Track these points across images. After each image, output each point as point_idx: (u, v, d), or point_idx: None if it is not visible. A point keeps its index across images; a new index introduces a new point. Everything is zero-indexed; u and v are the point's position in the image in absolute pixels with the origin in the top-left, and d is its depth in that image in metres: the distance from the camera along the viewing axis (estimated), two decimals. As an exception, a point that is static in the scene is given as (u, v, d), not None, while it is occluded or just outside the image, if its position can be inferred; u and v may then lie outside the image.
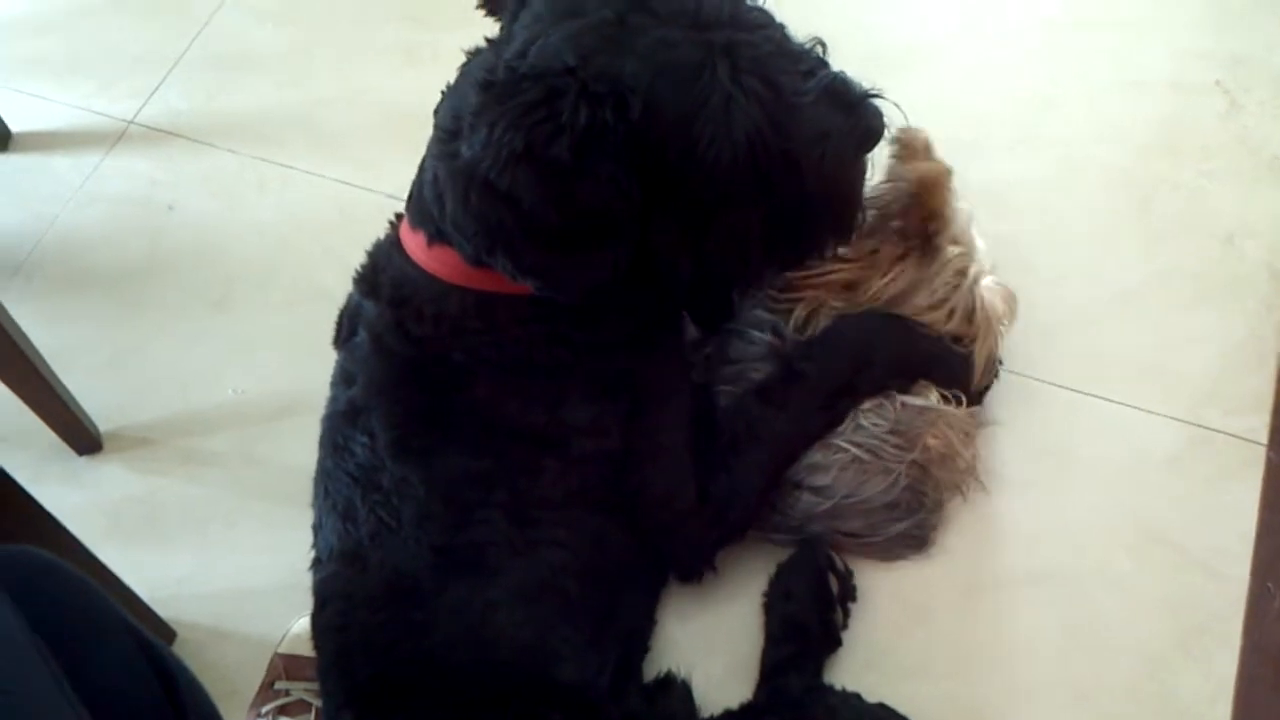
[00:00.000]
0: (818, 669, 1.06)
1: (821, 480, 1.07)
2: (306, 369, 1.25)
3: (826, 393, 1.08)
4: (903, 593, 1.11)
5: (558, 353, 0.97)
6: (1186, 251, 1.31)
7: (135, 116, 1.50)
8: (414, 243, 0.97)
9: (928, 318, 1.10)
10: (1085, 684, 1.06)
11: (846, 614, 1.08)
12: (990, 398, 1.17)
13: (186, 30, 1.57)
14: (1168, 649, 1.07)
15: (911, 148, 1.09)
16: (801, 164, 0.86)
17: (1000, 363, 1.17)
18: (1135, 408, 1.20)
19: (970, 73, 1.46)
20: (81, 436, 1.23)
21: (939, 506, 1.11)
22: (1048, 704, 1.05)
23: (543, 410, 0.97)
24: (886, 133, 0.91)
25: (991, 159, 1.19)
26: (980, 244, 1.13)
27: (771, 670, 1.06)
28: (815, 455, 1.07)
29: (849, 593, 1.08)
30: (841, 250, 1.07)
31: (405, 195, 1.00)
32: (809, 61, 0.88)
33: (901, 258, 1.10)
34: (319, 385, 1.06)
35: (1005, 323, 1.13)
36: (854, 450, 1.05)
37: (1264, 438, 1.17)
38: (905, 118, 0.92)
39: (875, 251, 1.09)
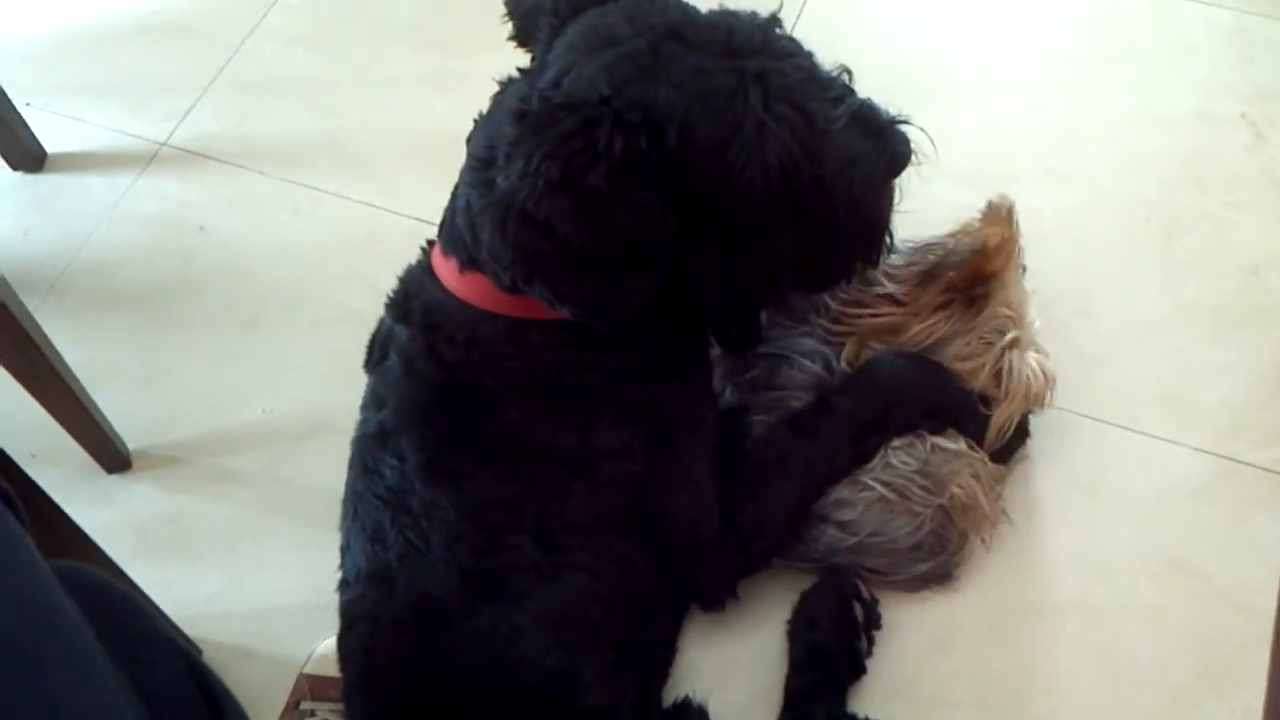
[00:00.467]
0: (841, 697, 1.05)
1: (848, 516, 1.07)
2: (335, 390, 1.26)
3: (857, 427, 1.08)
4: (928, 622, 1.11)
5: (588, 378, 0.97)
6: (1212, 283, 1.31)
7: (168, 139, 1.52)
8: (446, 269, 0.98)
9: (958, 369, 1.11)
10: (1110, 716, 1.05)
11: (871, 642, 1.08)
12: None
13: (218, 55, 1.60)
14: (1194, 682, 1.07)
15: (995, 212, 1.10)
16: (831, 188, 0.87)
17: (1028, 434, 1.17)
18: (1161, 439, 1.20)
19: (996, 106, 1.47)
20: (111, 454, 1.24)
21: (961, 549, 1.11)
22: (1073, 736, 1.05)
23: (572, 435, 0.97)
24: (914, 158, 0.92)
25: (1018, 190, 1.20)
26: (1037, 323, 1.13)
27: (795, 698, 1.06)
28: (843, 491, 1.07)
29: (874, 621, 1.08)
30: (894, 292, 1.09)
31: (433, 218, 1.01)
32: (837, 89, 0.90)
33: (943, 306, 1.11)
34: (347, 406, 1.07)
35: (1038, 402, 1.12)
36: (881, 489, 1.05)
37: (1291, 470, 1.17)
38: (933, 144, 0.93)
39: (921, 297, 1.11)
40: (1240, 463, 1.18)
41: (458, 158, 1.49)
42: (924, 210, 1.16)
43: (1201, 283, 1.31)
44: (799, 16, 1.56)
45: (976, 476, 1.08)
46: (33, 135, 1.48)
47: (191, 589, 1.17)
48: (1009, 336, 1.11)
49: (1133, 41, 1.53)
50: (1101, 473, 1.18)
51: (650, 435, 1.00)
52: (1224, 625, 1.09)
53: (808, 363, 1.11)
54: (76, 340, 1.27)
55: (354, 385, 1.07)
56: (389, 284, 1.05)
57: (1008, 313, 1.12)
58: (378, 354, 1.05)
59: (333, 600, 1.02)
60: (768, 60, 0.86)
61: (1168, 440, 1.20)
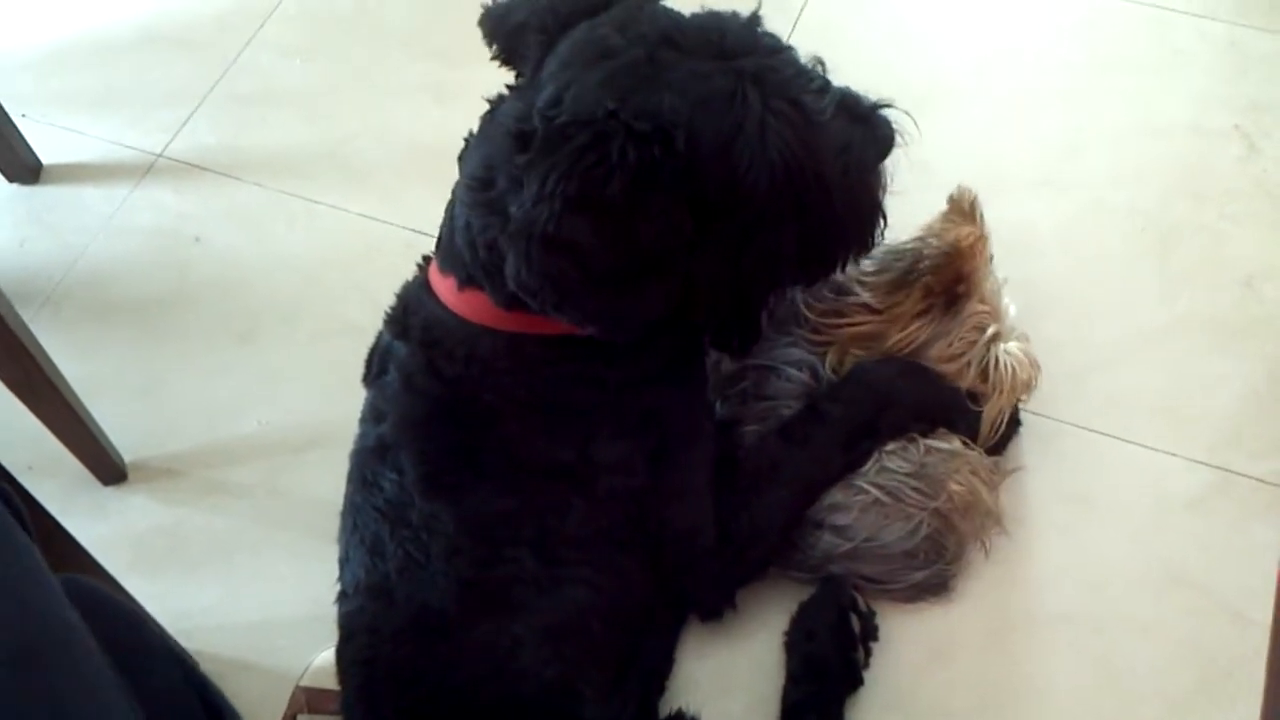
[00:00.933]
0: (839, 709, 1.06)
1: (843, 520, 1.07)
2: (331, 402, 1.27)
3: (848, 432, 1.09)
4: (925, 634, 1.11)
5: (587, 391, 0.98)
6: (1207, 294, 1.32)
7: (164, 150, 1.52)
8: (444, 286, 0.98)
9: (943, 369, 1.11)
10: (1108, 728, 1.06)
11: (868, 653, 1.08)
12: (1013, 439, 1.18)
13: (215, 67, 1.60)
14: (1191, 693, 1.07)
15: (959, 205, 1.11)
16: (827, 177, 0.88)
17: (1019, 424, 1.17)
18: (1157, 450, 1.20)
19: (993, 114, 1.48)
20: (107, 466, 1.24)
21: (958, 558, 1.11)
22: (1070, 747, 1.05)
23: (572, 448, 0.97)
24: (898, 140, 0.93)
25: (1014, 199, 1.21)
26: (1012, 310, 1.14)
27: (791, 709, 1.06)
28: (837, 495, 1.07)
29: (871, 632, 1.08)
30: (869, 300, 1.09)
31: (431, 230, 1.00)
32: (819, 80, 0.91)
33: (923, 314, 1.11)
34: (344, 418, 1.07)
35: (1025, 390, 1.13)
36: (875, 492, 1.06)
37: (1287, 482, 1.17)
38: (916, 126, 0.93)
39: (899, 305, 1.11)
40: (1236, 474, 1.18)
41: (455, 169, 1.50)
42: (918, 220, 1.17)
43: (1197, 294, 1.31)
44: (795, 25, 1.57)
45: (975, 473, 1.08)
46: (28, 147, 1.48)
47: (188, 601, 1.17)
48: (989, 331, 1.11)
49: (1129, 52, 1.54)
50: (1098, 483, 1.19)
51: (649, 447, 1.00)
52: (1221, 636, 1.09)
53: (795, 372, 1.12)
54: (72, 352, 1.27)
55: (351, 397, 1.07)
56: (387, 296, 1.05)
57: (984, 308, 1.12)
58: (376, 369, 1.05)
59: (330, 612, 1.02)
60: (760, 59, 0.87)
61: (1164, 451, 1.20)
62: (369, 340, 1.08)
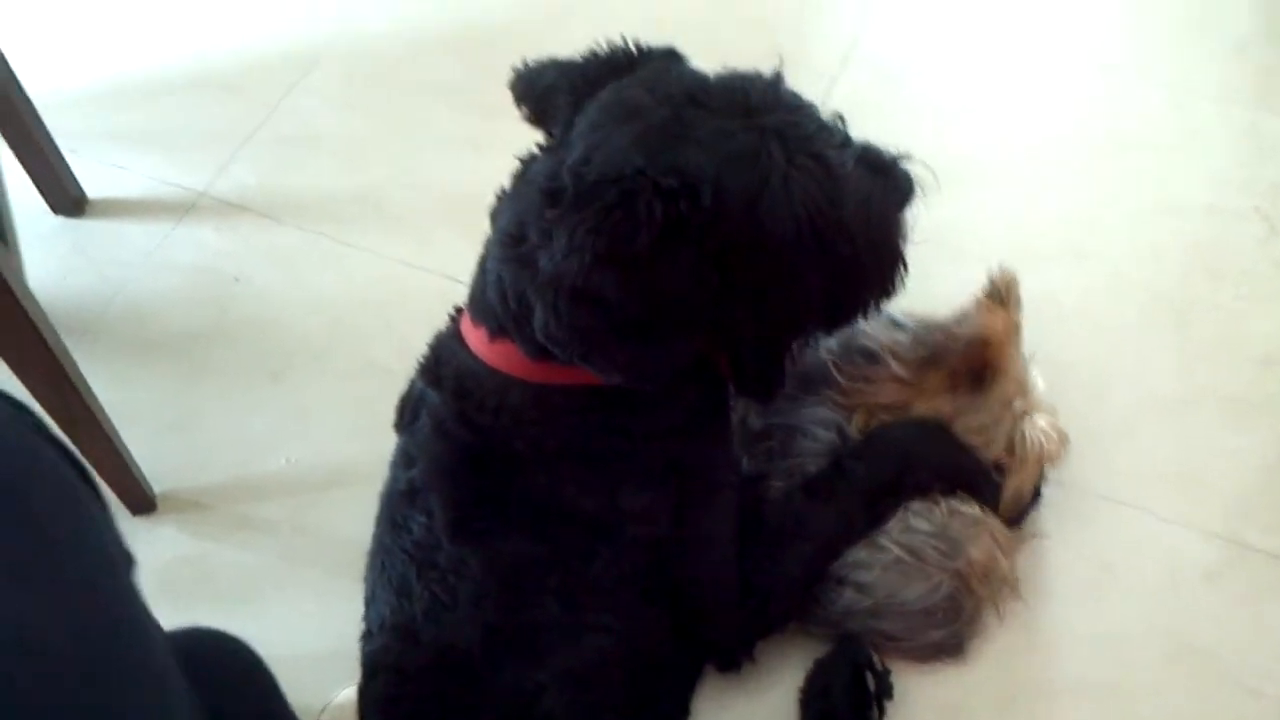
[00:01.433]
0: (852, 767, 1.07)
1: (865, 577, 1.09)
2: (359, 442, 1.29)
3: (871, 491, 1.11)
4: (940, 695, 1.12)
5: (614, 441, 1.00)
6: (1224, 371, 1.34)
7: (206, 189, 1.56)
8: (475, 337, 1.00)
9: (970, 441, 1.13)
10: (1120, 798, 1.06)
11: (883, 711, 1.09)
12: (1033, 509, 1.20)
13: (258, 111, 1.64)
14: (1202, 765, 1.08)
15: (997, 289, 1.14)
16: (850, 228, 0.91)
17: (1040, 496, 1.19)
18: (1173, 522, 1.22)
19: (1018, 189, 1.52)
20: (138, 497, 1.26)
21: (974, 621, 1.13)
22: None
23: (598, 497, 0.99)
24: (918, 190, 0.96)
25: (1037, 272, 1.24)
26: (1040, 384, 1.16)
27: (805, 765, 1.07)
28: (860, 552, 1.09)
29: (886, 690, 1.09)
30: (899, 372, 1.12)
31: (463, 277, 1.03)
32: (840, 135, 0.94)
33: (949, 390, 1.13)
34: (370, 459, 1.09)
35: (1052, 463, 1.15)
36: (898, 551, 1.08)
37: (1301, 558, 1.18)
38: (935, 176, 0.97)
39: (926, 380, 1.13)
40: (1250, 548, 1.20)
41: (487, 219, 1.53)
42: (947, 291, 1.20)
43: (1213, 371, 1.34)
44: (825, 98, 1.61)
45: (995, 540, 1.10)
46: (75, 180, 1.52)
47: (211, 634, 1.18)
48: (1016, 406, 1.14)
49: (1149, 132, 1.57)
50: (1114, 552, 1.20)
51: (674, 497, 1.02)
52: (1235, 709, 1.10)
53: (822, 431, 1.14)
54: (108, 382, 1.29)
55: (378, 438, 1.09)
56: (417, 340, 1.08)
57: (1010, 385, 1.14)
58: (409, 416, 1.07)
59: (352, 650, 1.04)
60: (783, 115, 0.90)
61: (1180, 523, 1.22)
62: (398, 382, 1.10)
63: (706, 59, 0.97)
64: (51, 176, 1.48)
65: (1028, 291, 1.24)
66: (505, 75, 1.69)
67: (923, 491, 1.11)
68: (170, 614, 1.10)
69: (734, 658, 1.10)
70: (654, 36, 0.99)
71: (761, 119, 0.89)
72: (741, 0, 1.79)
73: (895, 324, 1.18)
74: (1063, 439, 1.17)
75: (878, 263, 0.97)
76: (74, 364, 1.15)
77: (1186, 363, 1.34)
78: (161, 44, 1.74)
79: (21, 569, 0.50)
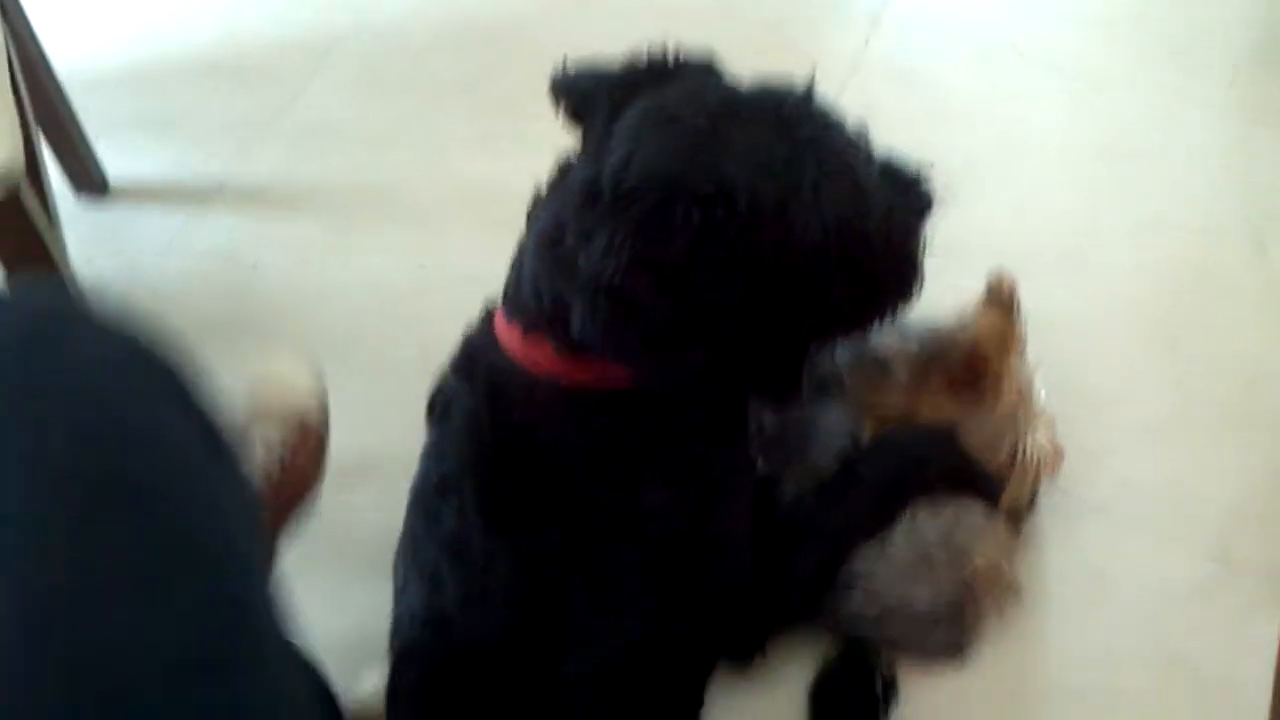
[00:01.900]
0: (857, 764, 1.11)
1: (873, 581, 1.13)
2: (379, 435, 1.31)
3: (880, 495, 1.16)
4: (939, 696, 1.16)
5: (640, 440, 1.03)
6: (1214, 388, 1.39)
7: (226, 177, 1.58)
8: (509, 335, 1.03)
9: (974, 449, 1.18)
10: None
11: (889, 713, 1.14)
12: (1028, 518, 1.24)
13: (278, 99, 1.66)
14: (1189, 771, 1.13)
15: (996, 294, 1.18)
16: (873, 238, 0.95)
17: (1034, 505, 1.24)
18: (1165, 536, 1.27)
19: (1016, 196, 1.56)
20: (161, 482, 1.28)
21: (976, 626, 1.17)
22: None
23: (622, 494, 1.03)
24: (937, 203, 1.01)
25: (1033, 280, 1.28)
26: (1042, 394, 1.21)
27: (812, 761, 1.12)
28: (869, 555, 1.13)
29: (892, 692, 1.14)
30: (904, 378, 1.16)
31: (481, 273, 1.05)
32: (866, 147, 0.98)
33: (950, 393, 1.18)
34: (390, 451, 1.12)
35: (1051, 471, 1.20)
36: (906, 556, 1.12)
37: (1287, 573, 1.24)
38: (954, 190, 1.02)
39: (929, 385, 1.18)
40: (1238, 563, 1.25)
41: (507, 215, 1.54)
42: (941, 296, 1.23)
43: (1204, 387, 1.39)
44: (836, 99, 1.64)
45: (1000, 547, 1.15)
46: (99, 164, 1.53)
47: (235, 619, 1.20)
48: (1019, 417, 1.18)
49: (1147, 145, 1.62)
50: (1106, 564, 1.25)
51: (693, 496, 1.06)
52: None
53: (835, 435, 1.19)
54: (131, 367, 1.32)
55: (399, 431, 1.12)
56: (435, 334, 1.09)
57: (1014, 397, 1.19)
58: (440, 410, 1.10)
59: (372, 641, 1.06)
60: (816, 128, 0.94)
61: (1171, 538, 1.27)
62: (415, 376, 1.13)
63: (720, 58, 1.00)
64: (76, 158, 1.49)
65: (1023, 299, 1.28)
66: (524, 70, 1.72)
67: (930, 496, 1.16)
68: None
69: (748, 653, 1.15)
70: (667, 33, 1.02)
71: (796, 131, 0.93)
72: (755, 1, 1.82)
73: (904, 332, 1.23)
74: (1059, 453, 1.22)
75: (897, 272, 1.01)
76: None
77: (1178, 379, 1.39)
78: (183, 29, 1.75)
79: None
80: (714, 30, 1.70)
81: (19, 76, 1.10)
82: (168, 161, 1.59)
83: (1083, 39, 1.75)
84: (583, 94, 1.02)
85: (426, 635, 1.01)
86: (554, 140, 1.02)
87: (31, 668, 0.46)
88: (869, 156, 0.98)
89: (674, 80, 0.99)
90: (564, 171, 1.02)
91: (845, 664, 1.14)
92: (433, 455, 1.08)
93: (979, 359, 1.17)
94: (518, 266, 1.04)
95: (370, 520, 1.16)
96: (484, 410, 1.03)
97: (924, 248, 1.02)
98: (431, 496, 1.05)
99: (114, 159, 1.56)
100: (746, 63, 1.03)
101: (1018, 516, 1.21)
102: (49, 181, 1.41)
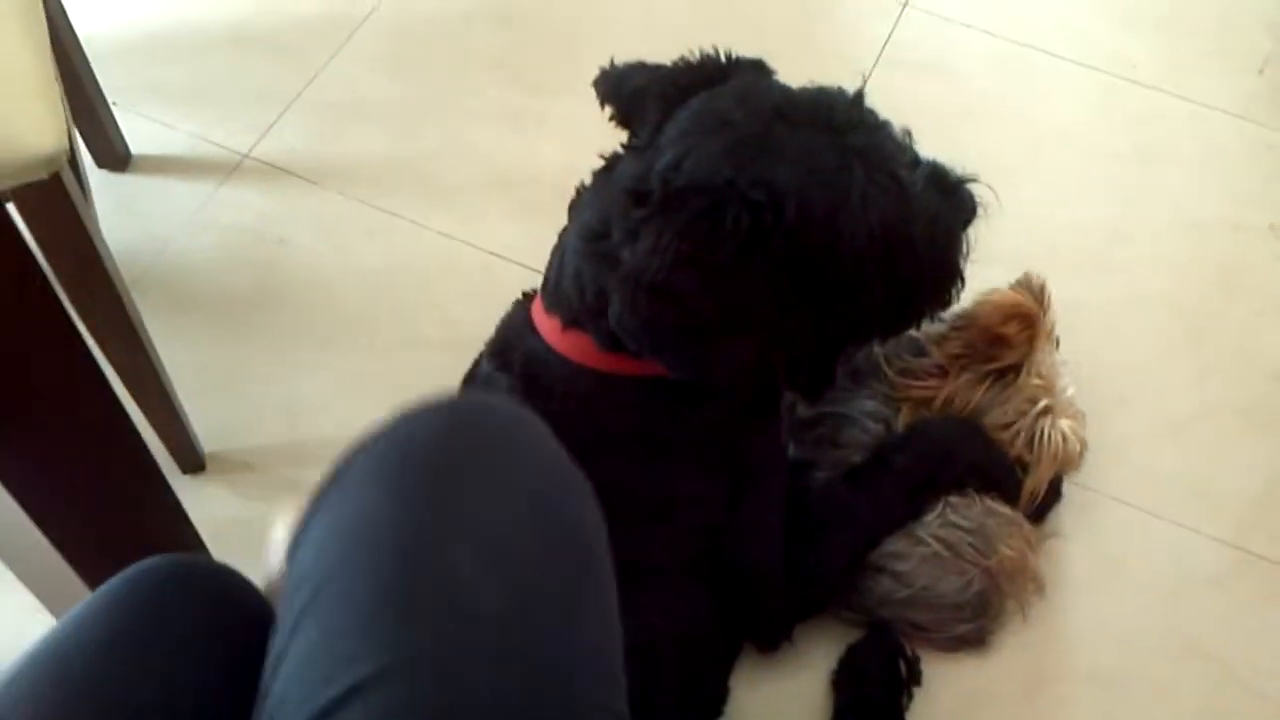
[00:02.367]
0: (880, 748, 1.13)
1: (902, 567, 1.14)
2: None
3: (910, 483, 1.17)
4: (961, 682, 1.18)
5: (676, 430, 1.04)
6: (1236, 385, 1.40)
7: (250, 150, 1.57)
8: (547, 325, 1.04)
9: (995, 436, 1.19)
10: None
11: (910, 697, 1.15)
12: (1054, 508, 1.26)
13: (303, 73, 1.65)
14: (1204, 759, 1.15)
15: (1026, 284, 1.19)
16: (917, 243, 0.96)
17: (1060, 495, 1.26)
18: (1184, 527, 1.29)
19: (1042, 195, 1.56)
20: (189, 455, 1.29)
21: (999, 616, 1.19)
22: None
23: (657, 482, 1.04)
24: (980, 211, 1.03)
25: (1059, 279, 1.29)
26: (1070, 390, 1.22)
27: (836, 745, 1.13)
28: (900, 543, 1.14)
29: (915, 677, 1.16)
30: (939, 360, 1.17)
31: (508, 254, 1.05)
32: (911, 154, 1.00)
33: (976, 373, 1.19)
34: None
35: (1069, 466, 1.22)
36: (936, 545, 1.13)
37: (1305, 566, 1.26)
38: (997, 198, 1.04)
39: (958, 363, 1.19)
40: (1257, 556, 1.27)
41: (534, 196, 1.55)
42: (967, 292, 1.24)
43: (1226, 384, 1.40)
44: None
45: (1026, 539, 1.16)
46: (121, 134, 1.52)
47: (262, 593, 1.21)
48: (1040, 404, 1.19)
49: (1172, 147, 1.62)
50: (1127, 554, 1.27)
51: (727, 485, 1.07)
52: (1237, 708, 1.17)
53: (871, 423, 1.20)
54: (155, 341, 1.31)
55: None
56: (461, 314, 1.09)
57: (1039, 382, 1.20)
58: (474, 395, 1.10)
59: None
60: (864, 134, 0.95)
61: (1190, 529, 1.29)
62: (441, 355, 1.13)
63: (743, 50, 1.02)
64: (99, 129, 1.48)
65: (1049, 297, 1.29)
66: (550, 51, 1.71)
67: (956, 486, 1.17)
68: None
69: (774, 639, 1.16)
70: (693, 21, 1.02)
71: (845, 137, 0.94)
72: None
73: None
74: (1082, 444, 1.23)
75: (939, 277, 1.02)
76: (143, 323, 1.17)
77: (1200, 376, 1.41)
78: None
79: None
80: (738, 22, 1.71)
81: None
82: (190, 133, 1.58)
83: (1110, 36, 1.75)
84: (632, 92, 1.03)
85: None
86: (582, 120, 1.01)
87: (504, 661, 0.59)
88: (914, 161, 0.99)
89: (725, 81, 0.99)
90: (610, 166, 1.03)
91: (871, 647, 1.15)
92: (468, 439, 1.09)
93: (993, 324, 1.18)
94: (559, 258, 1.05)
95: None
96: (520, 397, 1.03)
97: (966, 254, 1.03)
98: (468, 479, 1.05)
99: (136, 130, 1.55)
100: (767, 48, 1.04)
101: (1034, 507, 1.22)
102: (81, 157, 1.40)
